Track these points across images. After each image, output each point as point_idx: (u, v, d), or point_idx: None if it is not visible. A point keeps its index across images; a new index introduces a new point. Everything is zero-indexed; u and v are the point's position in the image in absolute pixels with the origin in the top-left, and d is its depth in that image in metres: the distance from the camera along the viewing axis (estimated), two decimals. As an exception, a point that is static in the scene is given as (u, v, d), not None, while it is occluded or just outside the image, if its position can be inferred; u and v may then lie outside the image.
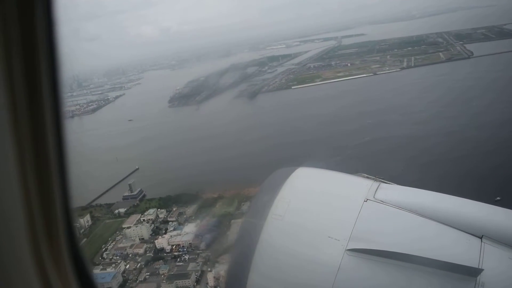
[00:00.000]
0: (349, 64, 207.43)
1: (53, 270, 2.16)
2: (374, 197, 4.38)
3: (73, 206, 2.29)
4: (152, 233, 73.23)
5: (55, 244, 2.16)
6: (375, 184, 4.64)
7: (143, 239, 71.87)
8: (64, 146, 2.16)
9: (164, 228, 73.80)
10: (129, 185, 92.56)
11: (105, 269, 62.85)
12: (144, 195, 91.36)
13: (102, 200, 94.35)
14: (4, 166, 1.86)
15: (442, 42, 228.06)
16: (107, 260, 68.65)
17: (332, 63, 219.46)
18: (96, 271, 62.93)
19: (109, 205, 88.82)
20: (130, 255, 68.38)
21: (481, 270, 3.66)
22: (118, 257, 68.51)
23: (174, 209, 79.41)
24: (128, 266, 65.15)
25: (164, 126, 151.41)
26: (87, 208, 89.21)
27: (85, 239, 76.60)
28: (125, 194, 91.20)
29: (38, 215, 2.03)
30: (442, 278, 3.70)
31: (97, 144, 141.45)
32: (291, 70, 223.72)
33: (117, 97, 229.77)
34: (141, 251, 68.31)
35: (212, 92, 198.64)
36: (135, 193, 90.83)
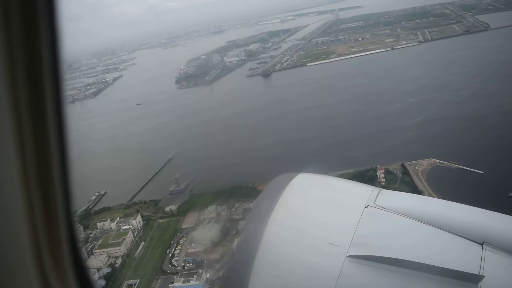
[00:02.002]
0: (360, 39, 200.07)
1: (53, 272, 2.17)
2: (375, 203, 4.32)
3: (74, 208, 2.30)
4: (222, 234, 65.84)
5: (56, 246, 2.17)
6: (376, 190, 4.57)
7: (214, 242, 64.47)
8: (66, 147, 2.14)
9: (234, 228, 66.41)
10: (175, 179, 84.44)
11: (188, 281, 55.48)
12: (191, 189, 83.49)
13: (143, 196, 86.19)
14: (6, 168, 1.85)
15: (450, 13, 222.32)
16: (178, 268, 61.28)
17: (340, 37, 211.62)
18: (178, 283, 55.69)
19: (156, 202, 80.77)
20: (205, 261, 61.08)
21: (482, 276, 3.63)
22: (190, 264, 61.21)
23: (236, 205, 71.98)
24: (208, 275, 57.93)
25: (180, 110, 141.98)
26: (130, 206, 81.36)
27: (142, 243, 69.06)
28: (172, 189, 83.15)
29: (39, 217, 2.04)
30: (442, 285, 3.66)
31: (113, 132, 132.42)
32: (297, 46, 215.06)
33: (115, 79, 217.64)
34: (217, 256, 60.98)
35: (220, 71, 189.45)
36: (182, 187, 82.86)
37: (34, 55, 1.88)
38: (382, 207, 4.28)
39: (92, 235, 71.08)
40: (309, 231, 4.19)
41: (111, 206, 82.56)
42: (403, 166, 77.42)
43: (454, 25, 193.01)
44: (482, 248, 3.90)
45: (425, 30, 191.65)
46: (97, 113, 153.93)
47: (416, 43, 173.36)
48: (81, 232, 73.59)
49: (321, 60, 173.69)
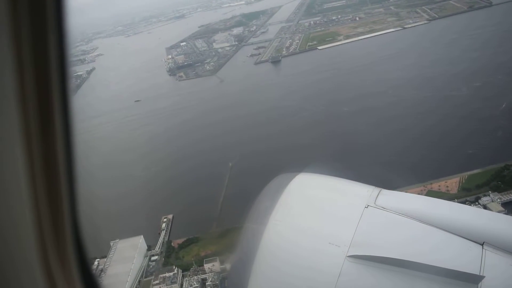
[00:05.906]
0: (357, 18, 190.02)
1: (59, 273, 2.19)
2: (375, 203, 4.30)
3: (80, 210, 2.32)
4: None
5: (62, 247, 2.19)
6: (376, 190, 4.53)
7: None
8: (73, 147, 2.15)
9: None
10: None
11: None
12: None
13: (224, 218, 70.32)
14: (13, 168, 1.87)
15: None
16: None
17: (333, 17, 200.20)
18: None
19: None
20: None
21: (482, 277, 3.64)
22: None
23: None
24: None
25: (197, 106, 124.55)
26: (225, 235, 64.99)
27: None
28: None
29: (45, 218, 2.06)
30: (442, 285, 3.67)
31: (126, 135, 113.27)
32: (288, 28, 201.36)
33: (88, 72, 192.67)
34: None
35: (217, 58, 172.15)
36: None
37: (42, 56, 1.87)
38: (382, 207, 4.22)
39: (209, 283, 54.87)
40: (309, 231, 4.14)
41: (197, 236, 66.37)
42: (540, 162, 67.99)
43: (451, 1, 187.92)
44: (482, 248, 3.87)
45: (424, 7, 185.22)
46: (93, 112, 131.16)
47: (426, 22, 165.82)
48: (183, 279, 57.43)
49: (330, 43, 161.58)
